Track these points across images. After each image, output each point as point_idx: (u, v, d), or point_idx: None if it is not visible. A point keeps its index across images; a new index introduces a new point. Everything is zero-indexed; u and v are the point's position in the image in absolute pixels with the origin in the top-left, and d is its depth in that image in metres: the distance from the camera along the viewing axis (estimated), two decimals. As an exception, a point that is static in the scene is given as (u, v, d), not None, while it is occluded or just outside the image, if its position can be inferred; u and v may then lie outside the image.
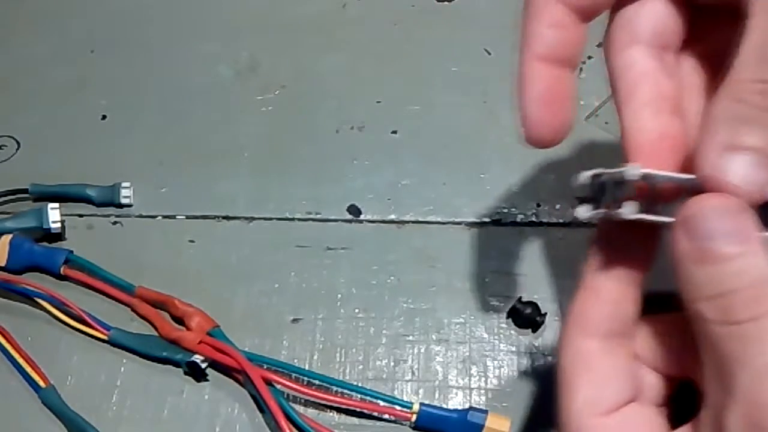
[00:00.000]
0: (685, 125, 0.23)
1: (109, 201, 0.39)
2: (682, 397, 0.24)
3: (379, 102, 0.42)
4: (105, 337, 0.34)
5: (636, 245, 0.23)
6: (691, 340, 0.22)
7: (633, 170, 0.21)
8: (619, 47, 0.23)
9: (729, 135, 0.20)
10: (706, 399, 0.20)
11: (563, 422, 0.22)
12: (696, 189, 0.21)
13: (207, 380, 0.33)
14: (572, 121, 0.23)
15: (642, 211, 0.21)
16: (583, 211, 0.23)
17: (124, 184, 0.39)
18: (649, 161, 0.22)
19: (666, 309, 0.23)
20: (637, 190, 0.21)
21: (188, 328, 0.34)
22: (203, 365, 0.32)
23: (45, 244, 0.37)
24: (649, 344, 0.24)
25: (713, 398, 0.20)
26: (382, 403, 0.31)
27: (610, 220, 0.22)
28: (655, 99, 0.23)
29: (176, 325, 0.34)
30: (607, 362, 0.23)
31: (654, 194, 0.22)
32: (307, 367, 0.33)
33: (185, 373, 0.33)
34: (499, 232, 0.37)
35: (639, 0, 0.23)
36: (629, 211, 0.21)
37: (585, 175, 0.23)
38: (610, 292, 0.23)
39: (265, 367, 0.32)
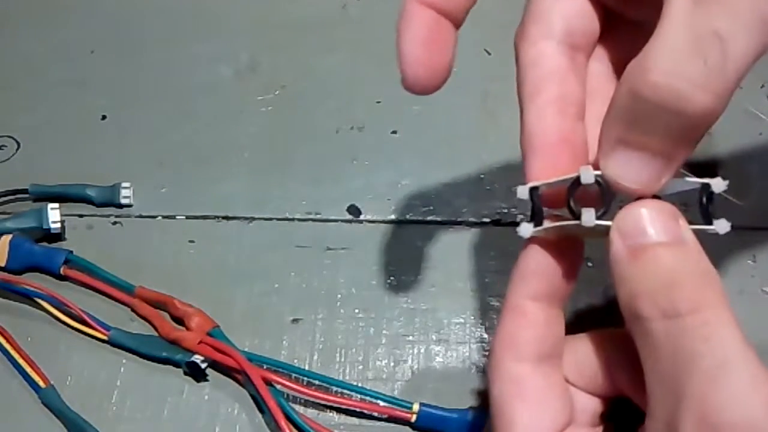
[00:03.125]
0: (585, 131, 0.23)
1: (109, 201, 0.39)
2: (615, 416, 0.24)
3: (379, 102, 0.42)
4: (105, 337, 0.34)
5: (559, 265, 0.22)
6: (620, 356, 0.22)
7: (588, 173, 0.20)
8: (531, 40, 0.23)
9: (624, 130, 0.19)
10: (652, 410, 0.19)
11: None
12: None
13: (207, 380, 0.33)
14: (450, 68, 0.23)
15: (598, 218, 0.20)
16: (525, 230, 0.22)
17: (124, 184, 0.39)
18: (547, 164, 0.22)
19: (584, 328, 0.23)
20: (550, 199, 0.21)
21: (188, 328, 0.34)
22: (203, 365, 0.32)
23: (45, 244, 0.37)
24: (576, 365, 0.23)
25: (660, 408, 0.19)
26: (382, 403, 0.31)
27: (551, 233, 0.22)
28: (560, 99, 0.22)
29: (176, 325, 0.34)
30: (541, 387, 0.22)
31: (586, 200, 0.21)
32: (307, 367, 0.33)
33: (185, 373, 0.33)
34: (499, 232, 0.37)
35: None
36: (588, 218, 0.20)
37: (522, 190, 0.22)
38: (538, 313, 0.22)
39: (265, 367, 0.32)
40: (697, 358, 0.18)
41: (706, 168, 0.37)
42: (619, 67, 0.23)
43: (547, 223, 0.22)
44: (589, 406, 0.24)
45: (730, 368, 0.18)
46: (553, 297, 0.23)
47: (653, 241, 0.20)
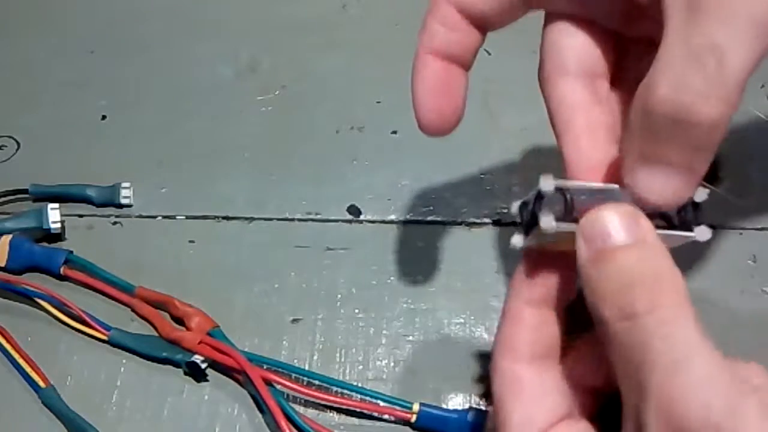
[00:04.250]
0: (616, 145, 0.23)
1: (109, 201, 0.39)
2: (613, 410, 0.24)
3: (379, 102, 0.42)
4: (105, 338, 0.34)
5: (556, 273, 0.23)
6: None
7: (546, 183, 0.21)
8: (551, 80, 0.24)
9: (643, 146, 0.20)
10: (624, 407, 0.20)
11: None
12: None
13: (207, 380, 0.33)
14: (462, 112, 0.25)
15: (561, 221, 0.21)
16: (517, 241, 0.23)
17: (124, 184, 0.39)
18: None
19: (587, 327, 0.23)
20: (578, 214, 0.21)
21: (188, 329, 0.34)
22: (203, 365, 0.32)
23: (45, 244, 0.37)
24: (576, 361, 0.24)
25: (630, 404, 0.20)
26: (382, 403, 0.31)
27: (541, 242, 0.23)
28: (590, 128, 0.23)
29: (176, 326, 0.34)
30: (537, 383, 0.23)
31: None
32: (307, 368, 0.33)
33: (185, 374, 0.33)
34: (499, 232, 0.37)
35: (564, 30, 0.24)
36: (546, 221, 0.21)
37: (514, 207, 0.24)
38: (532, 318, 0.24)
39: (265, 367, 0.32)
40: (656, 355, 0.19)
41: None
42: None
43: (529, 237, 0.23)
44: (588, 400, 0.24)
45: (688, 362, 0.18)
46: (549, 302, 0.24)
47: (614, 244, 0.20)
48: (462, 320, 0.35)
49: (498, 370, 0.24)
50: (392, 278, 0.36)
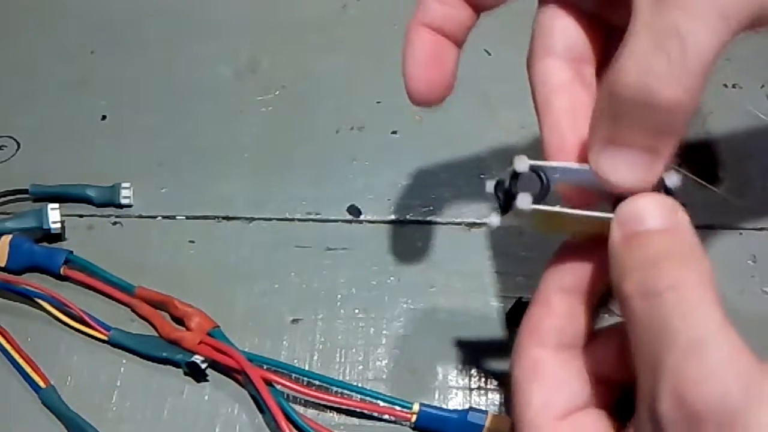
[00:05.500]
0: None
1: (109, 201, 0.39)
2: (630, 403, 0.24)
3: (379, 102, 0.42)
4: (105, 338, 0.34)
5: (590, 263, 0.23)
6: None
7: (520, 163, 0.22)
8: (536, 59, 0.24)
9: (609, 129, 0.21)
10: (639, 389, 0.20)
11: (519, 429, 0.23)
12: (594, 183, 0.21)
13: (207, 380, 0.33)
14: (452, 85, 0.25)
15: (538, 203, 0.22)
16: (493, 220, 0.23)
17: (124, 185, 0.39)
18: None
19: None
20: (562, 196, 0.22)
21: (188, 329, 0.34)
22: (203, 365, 0.32)
23: (45, 244, 0.37)
24: (598, 352, 0.24)
25: (645, 386, 0.20)
26: (382, 404, 0.31)
27: (519, 222, 0.23)
28: (571, 109, 0.23)
29: (176, 326, 0.34)
30: (559, 370, 0.23)
31: (581, 198, 0.22)
32: (307, 368, 0.33)
33: (185, 374, 0.33)
34: (498, 232, 0.37)
35: (553, 13, 0.24)
36: (523, 201, 0.21)
37: (489, 185, 0.24)
38: (561, 306, 0.23)
39: (265, 367, 0.32)
40: (674, 334, 0.18)
41: (706, 168, 0.37)
42: None
43: (510, 215, 0.23)
44: (609, 391, 0.24)
45: (706, 344, 0.18)
46: (580, 291, 0.23)
47: (647, 227, 0.20)
48: (462, 320, 0.35)
49: (521, 354, 0.24)
50: (392, 278, 0.36)
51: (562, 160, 0.23)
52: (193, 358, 0.32)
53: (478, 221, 0.37)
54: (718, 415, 0.17)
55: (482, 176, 0.39)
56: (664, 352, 0.18)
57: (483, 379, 0.33)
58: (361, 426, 0.32)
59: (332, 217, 0.38)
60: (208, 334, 0.33)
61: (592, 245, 0.23)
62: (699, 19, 0.19)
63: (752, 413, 0.17)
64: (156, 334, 0.34)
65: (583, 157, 0.22)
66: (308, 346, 0.34)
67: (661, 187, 0.22)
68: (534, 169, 0.22)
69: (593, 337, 0.24)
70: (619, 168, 0.21)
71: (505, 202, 0.23)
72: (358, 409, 0.32)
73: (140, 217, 0.39)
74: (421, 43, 0.25)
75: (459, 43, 0.25)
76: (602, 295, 0.24)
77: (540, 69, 0.24)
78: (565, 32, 0.24)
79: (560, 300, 0.23)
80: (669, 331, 0.19)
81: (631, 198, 0.21)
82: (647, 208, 0.21)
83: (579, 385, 0.23)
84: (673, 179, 0.22)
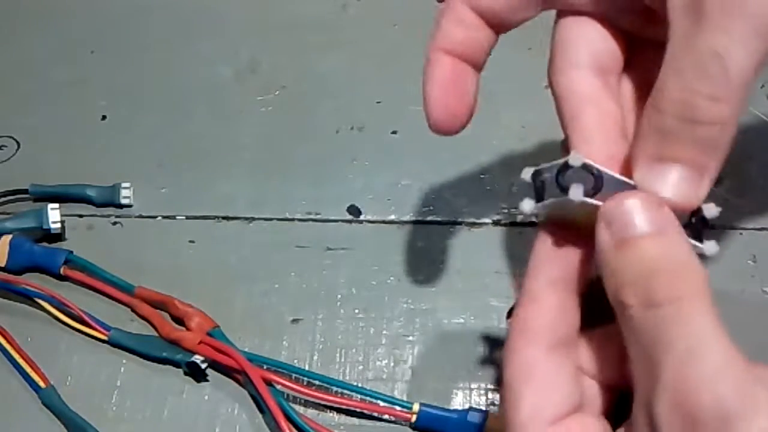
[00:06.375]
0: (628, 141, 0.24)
1: (109, 201, 0.39)
2: (624, 406, 0.24)
3: (379, 102, 0.42)
4: (105, 338, 0.34)
5: (574, 252, 0.23)
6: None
7: (575, 158, 0.21)
8: (562, 71, 0.24)
9: (657, 147, 0.21)
10: (636, 395, 0.20)
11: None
12: None
13: (207, 380, 0.33)
14: (473, 111, 0.25)
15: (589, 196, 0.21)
16: (527, 205, 0.23)
17: (124, 185, 0.39)
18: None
19: (603, 321, 0.23)
20: (601, 196, 0.22)
21: (188, 329, 0.34)
22: (203, 365, 0.32)
23: (45, 244, 0.37)
24: (591, 355, 0.24)
25: (642, 392, 0.20)
26: (382, 404, 0.31)
27: (558, 211, 0.23)
28: (600, 121, 0.23)
29: (176, 326, 0.34)
30: (552, 371, 0.23)
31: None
32: (307, 368, 0.33)
33: (185, 374, 0.33)
34: (499, 232, 0.37)
35: (576, 25, 0.24)
36: (576, 193, 0.21)
37: (527, 171, 0.23)
38: (552, 300, 0.23)
39: (265, 367, 0.32)
40: (671, 343, 0.19)
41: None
42: (647, 86, 0.24)
43: (544, 202, 0.23)
44: (600, 395, 0.24)
45: (701, 352, 0.18)
46: (567, 283, 0.23)
47: (638, 232, 0.20)
48: (462, 320, 0.35)
49: (513, 355, 0.23)
50: (392, 278, 0.36)
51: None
52: (193, 358, 0.32)
53: (478, 221, 0.37)
54: (715, 420, 0.18)
55: (482, 176, 0.39)
56: (663, 358, 0.19)
57: (483, 379, 0.33)
58: (361, 426, 0.32)
59: (332, 217, 0.38)
60: (208, 334, 0.33)
61: (574, 235, 0.23)
62: (736, 38, 0.19)
63: (747, 419, 0.18)
64: (156, 334, 0.34)
65: (616, 170, 0.22)
66: (308, 346, 0.34)
67: (699, 218, 0.22)
68: (587, 166, 0.22)
69: (587, 339, 0.24)
70: (667, 184, 0.21)
71: (541, 190, 0.23)
72: (358, 409, 0.32)
73: (140, 217, 0.39)
74: (441, 69, 0.25)
75: (479, 67, 0.25)
76: (589, 283, 0.24)
77: (566, 81, 0.24)
78: (591, 42, 0.24)
79: (549, 294, 0.23)
80: (667, 341, 0.19)
81: (618, 197, 0.21)
82: (635, 210, 0.21)
83: (571, 389, 0.23)
84: (711, 211, 0.22)
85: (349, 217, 0.38)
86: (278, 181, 0.40)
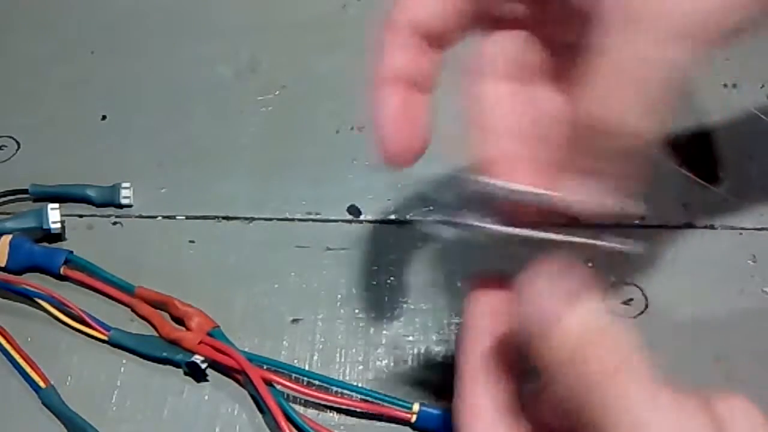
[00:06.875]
0: (546, 149, 0.23)
1: (109, 201, 0.39)
2: None
3: (379, 102, 0.42)
4: (105, 338, 0.34)
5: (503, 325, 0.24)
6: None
7: (471, 184, 0.22)
8: (473, 76, 0.24)
9: (574, 155, 0.21)
10: None
11: None
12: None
13: (207, 381, 0.33)
14: (427, 140, 0.24)
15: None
16: (447, 233, 0.24)
17: (124, 185, 0.39)
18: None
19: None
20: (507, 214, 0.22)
21: (188, 329, 0.34)
22: (203, 366, 0.32)
23: (45, 244, 0.37)
24: (539, 407, 0.24)
25: None
26: (382, 404, 0.31)
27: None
28: (506, 126, 0.23)
29: (176, 326, 0.34)
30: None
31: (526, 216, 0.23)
32: (307, 368, 0.33)
33: (185, 374, 0.33)
34: (498, 232, 0.37)
35: (495, 33, 0.24)
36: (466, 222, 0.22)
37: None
38: (491, 377, 0.23)
39: (265, 367, 0.32)
40: (617, 417, 0.18)
41: (706, 168, 0.37)
42: (569, 94, 0.24)
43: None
44: None
45: (648, 426, 0.18)
46: (505, 357, 0.23)
47: (554, 317, 0.20)
48: (462, 320, 0.34)
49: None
50: (392, 278, 0.36)
51: (503, 179, 0.23)
52: (193, 358, 0.32)
53: (477, 222, 0.37)
54: None
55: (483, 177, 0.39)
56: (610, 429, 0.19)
57: (483, 379, 0.33)
58: (361, 426, 0.32)
59: (332, 217, 0.38)
60: (208, 334, 0.33)
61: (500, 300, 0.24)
62: (660, 46, 0.19)
63: None
64: (156, 334, 0.34)
65: (527, 176, 0.23)
66: (308, 346, 0.34)
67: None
68: (482, 188, 0.23)
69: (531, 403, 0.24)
70: (581, 194, 0.21)
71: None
72: (358, 409, 0.32)
73: (140, 217, 0.39)
74: (390, 100, 0.24)
75: (429, 90, 0.24)
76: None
77: (477, 88, 0.24)
78: (507, 50, 0.24)
79: (488, 371, 0.23)
80: (609, 417, 0.19)
81: (532, 282, 0.21)
82: (545, 294, 0.21)
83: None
84: (629, 247, 0.22)
85: (349, 217, 0.38)
86: (278, 181, 0.40)
